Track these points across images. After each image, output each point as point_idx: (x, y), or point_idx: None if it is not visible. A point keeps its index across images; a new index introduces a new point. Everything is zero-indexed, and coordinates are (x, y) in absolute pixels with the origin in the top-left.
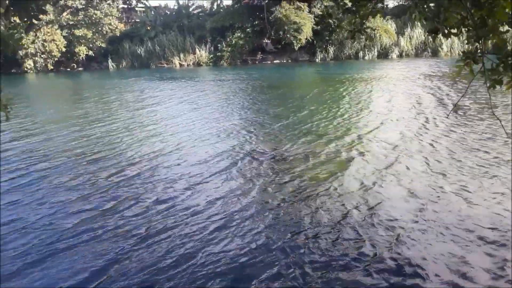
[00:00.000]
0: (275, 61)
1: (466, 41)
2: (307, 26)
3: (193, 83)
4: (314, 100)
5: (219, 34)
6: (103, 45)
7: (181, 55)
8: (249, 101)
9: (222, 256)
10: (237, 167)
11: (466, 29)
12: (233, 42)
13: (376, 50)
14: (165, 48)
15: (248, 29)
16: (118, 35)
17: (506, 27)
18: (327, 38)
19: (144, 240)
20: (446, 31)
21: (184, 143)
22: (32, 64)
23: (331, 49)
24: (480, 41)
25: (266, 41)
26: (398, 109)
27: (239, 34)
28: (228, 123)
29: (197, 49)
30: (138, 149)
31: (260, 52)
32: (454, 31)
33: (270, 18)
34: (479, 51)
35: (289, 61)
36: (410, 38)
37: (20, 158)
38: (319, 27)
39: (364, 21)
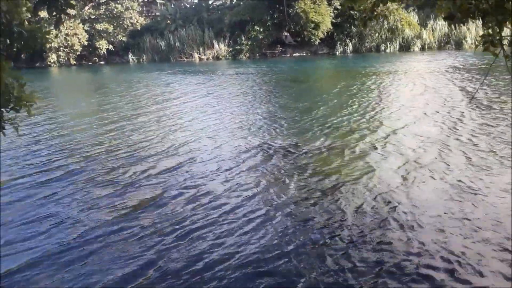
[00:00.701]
0: (294, 54)
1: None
2: (325, 22)
3: (216, 77)
4: (339, 93)
5: (238, 27)
6: (124, 39)
7: (200, 49)
8: (273, 95)
9: (255, 256)
10: (269, 162)
11: (482, 14)
12: (253, 35)
13: (398, 42)
14: (185, 42)
15: (267, 22)
16: (138, 29)
17: None
18: (348, 30)
19: (178, 239)
20: (460, 17)
21: (214, 137)
22: (55, 58)
23: (351, 42)
24: (499, 25)
25: (286, 34)
26: (427, 103)
27: (258, 28)
28: (255, 117)
29: (216, 43)
30: (168, 143)
31: (279, 45)
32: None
33: (290, 11)
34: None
35: (309, 54)
36: (433, 30)
37: (51, 152)
38: (338, 19)
39: (374, 8)
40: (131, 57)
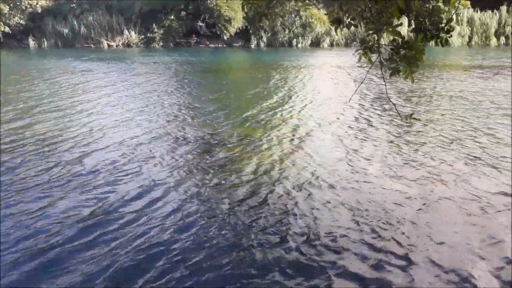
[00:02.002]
0: (210, 45)
1: (365, 33)
2: (237, 18)
3: (125, 66)
4: (253, 85)
5: (151, 15)
6: (22, 21)
7: (109, 35)
8: (188, 86)
9: (150, 253)
10: (182, 153)
11: (365, 21)
12: (166, 24)
13: (309, 38)
14: (92, 27)
15: (182, 12)
16: (39, 11)
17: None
18: (261, 25)
19: (56, 239)
20: (347, 22)
21: (126, 129)
22: None
23: (265, 36)
24: (378, 33)
25: (201, 24)
26: (325, 96)
27: (171, 16)
28: (162, 107)
29: (126, 30)
30: (76, 136)
31: (194, 35)
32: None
33: (205, 2)
34: (376, 41)
35: (224, 46)
36: (341, 28)
37: None
38: (252, 14)
39: (270, 5)
40: (31, 41)
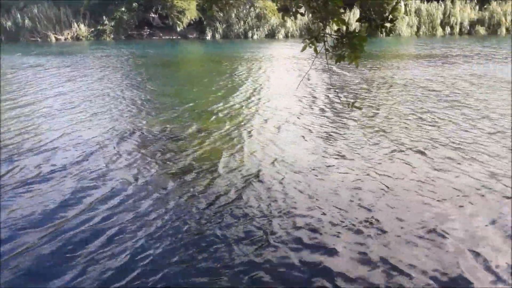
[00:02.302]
0: (163, 37)
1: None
2: (191, 9)
3: (77, 60)
4: (203, 78)
5: (100, 6)
6: None
7: (57, 29)
8: (141, 79)
9: (110, 254)
10: (132, 150)
11: (312, 10)
12: (117, 16)
13: (265, 30)
14: (38, 20)
15: (133, 3)
16: None
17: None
18: (215, 16)
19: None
20: (294, 10)
21: (72, 127)
22: None
23: (221, 28)
24: (323, 22)
25: (153, 15)
26: (279, 86)
27: (123, 8)
28: (120, 103)
29: (74, 23)
30: (20, 137)
31: (147, 27)
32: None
33: None
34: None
35: (179, 37)
36: (295, 19)
37: None
38: (206, 5)
39: None
40: None
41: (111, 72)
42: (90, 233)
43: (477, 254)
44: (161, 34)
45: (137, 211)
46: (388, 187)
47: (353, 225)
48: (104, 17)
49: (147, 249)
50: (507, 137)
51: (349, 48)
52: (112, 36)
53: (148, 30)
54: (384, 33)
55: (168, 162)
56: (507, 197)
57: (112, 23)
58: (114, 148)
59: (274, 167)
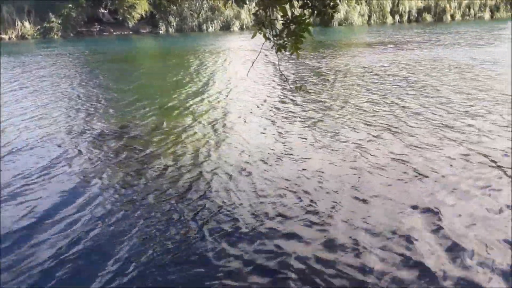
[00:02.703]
0: (114, 33)
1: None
2: (141, 3)
3: (26, 59)
4: (158, 73)
5: (46, 3)
6: None
7: (0, 27)
8: (96, 77)
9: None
10: (93, 149)
11: None
12: (65, 12)
13: (219, 22)
14: None
15: None
16: None
17: None
18: (168, 9)
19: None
20: None
21: (28, 128)
22: None
23: (174, 21)
24: (267, 9)
25: (103, 11)
26: (234, 78)
27: (70, 5)
28: (77, 102)
29: (19, 21)
30: None
31: (97, 23)
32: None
33: None
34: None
35: (131, 33)
36: (249, 11)
37: None
38: None
39: None
40: None
41: (63, 71)
42: (51, 235)
43: (443, 231)
44: (112, 30)
45: (101, 211)
46: (350, 171)
47: (320, 211)
48: (50, 14)
49: (113, 249)
50: (462, 113)
51: (291, 37)
52: (60, 34)
53: (99, 27)
54: (327, 19)
55: (131, 160)
56: (476, 172)
57: (59, 20)
58: (73, 149)
59: (241, 157)
